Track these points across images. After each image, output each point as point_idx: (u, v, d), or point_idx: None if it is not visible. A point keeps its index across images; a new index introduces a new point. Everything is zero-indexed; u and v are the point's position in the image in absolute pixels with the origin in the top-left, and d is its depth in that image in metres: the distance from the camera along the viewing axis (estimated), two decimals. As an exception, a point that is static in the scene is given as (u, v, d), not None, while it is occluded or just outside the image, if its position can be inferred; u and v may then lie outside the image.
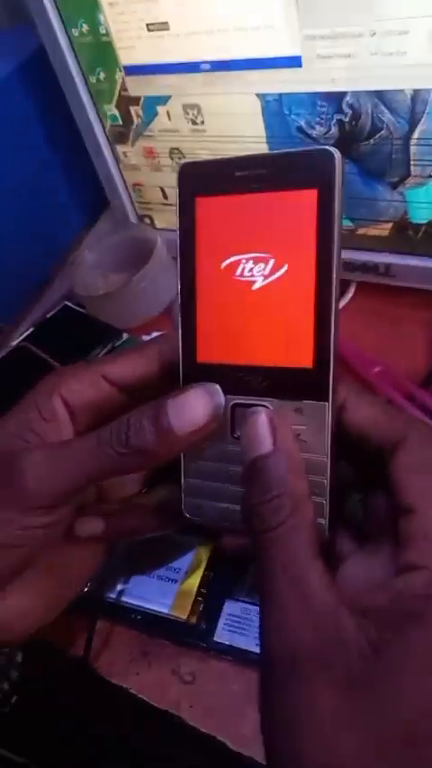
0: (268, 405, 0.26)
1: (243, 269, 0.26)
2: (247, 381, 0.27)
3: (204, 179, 0.27)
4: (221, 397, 0.27)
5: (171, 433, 0.25)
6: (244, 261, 0.26)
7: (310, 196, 0.25)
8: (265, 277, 0.26)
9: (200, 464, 0.28)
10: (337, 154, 0.24)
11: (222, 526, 0.28)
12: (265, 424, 0.25)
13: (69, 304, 0.64)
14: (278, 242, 0.26)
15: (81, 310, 0.63)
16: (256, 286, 0.26)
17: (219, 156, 0.27)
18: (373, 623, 0.21)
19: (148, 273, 0.59)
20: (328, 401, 0.25)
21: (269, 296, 0.26)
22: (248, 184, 0.26)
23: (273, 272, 0.26)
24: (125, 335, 0.59)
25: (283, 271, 0.26)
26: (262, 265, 0.26)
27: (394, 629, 0.21)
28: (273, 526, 0.23)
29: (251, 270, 0.26)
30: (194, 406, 0.26)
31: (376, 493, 0.26)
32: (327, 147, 0.24)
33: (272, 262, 0.26)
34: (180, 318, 0.28)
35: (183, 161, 0.28)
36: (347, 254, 0.53)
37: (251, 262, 0.26)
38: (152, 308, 0.61)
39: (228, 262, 0.27)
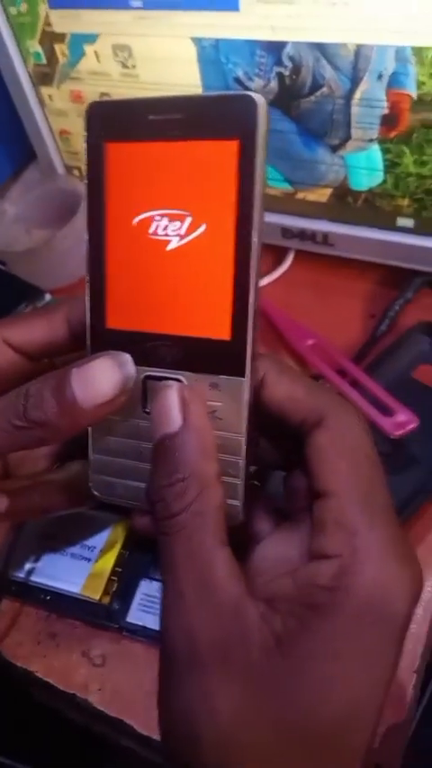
0: (182, 378, 0.24)
1: (157, 227, 0.24)
2: (160, 352, 0.24)
3: (115, 122, 0.24)
4: (132, 368, 0.24)
5: (75, 405, 0.23)
6: (158, 217, 0.24)
7: (230, 148, 0.22)
8: (181, 237, 0.24)
9: (109, 440, 0.26)
10: (260, 100, 0.22)
11: (134, 505, 0.27)
12: (175, 400, 0.23)
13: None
14: (195, 198, 0.23)
15: (1, 267, 0.58)
16: (170, 246, 0.24)
17: (130, 97, 0.24)
18: (279, 613, 0.21)
19: (73, 230, 0.55)
20: (245, 377, 0.23)
21: (184, 258, 0.24)
22: (163, 131, 0.23)
23: (189, 231, 0.23)
24: (48, 296, 0.55)
25: (200, 231, 0.23)
26: (177, 224, 0.23)
27: (298, 620, 0.20)
28: (176, 512, 0.22)
29: (165, 228, 0.24)
30: (101, 377, 0.23)
31: (296, 472, 0.25)
32: (249, 93, 0.22)
33: (188, 220, 0.23)
34: (88, 279, 0.25)
35: (91, 101, 0.24)
36: (285, 220, 0.51)
37: (166, 219, 0.24)
38: (78, 268, 0.57)
39: (140, 218, 0.24)
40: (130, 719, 0.35)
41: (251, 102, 0.22)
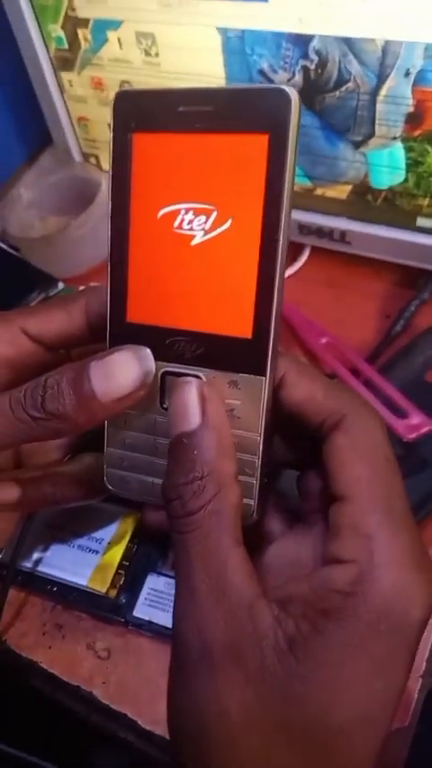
0: (201, 375, 0.24)
1: (182, 220, 0.23)
2: (180, 348, 0.24)
3: (143, 112, 0.23)
4: (152, 363, 0.24)
5: (93, 399, 0.23)
6: (183, 211, 0.23)
7: (260, 142, 0.22)
8: (206, 232, 0.23)
9: (125, 434, 0.26)
10: (294, 95, 0.21)
11: (147, 501, 0.26)
12: (194, 397, 0.23)
13: (2, 245, 0.58)
14: (222, 192, 0.23)
15: (14, 253, 0.58)
16: (195, 241, 0.23)
17: (160, 87, 0.24)
18: (292, 616, 0.20)
19: (89, 218, 0.54)
20: (265, 376, 0.23)
21: (209, 253, 0.23)
22: (193, 123, 0.23)
23: (214, 226, 0.23)
24: (61, 285, 0.55)
25: (225, 226, 0.23)
26: (203, 218, 0.23)
27: (312, 624, 0.20)
28: (192, 510, 0.21)
29: (191, 222, 0.23)
30: (121, 371, 0.23)
31: (311, 473, 0.25)
32: (283, 87, 0.21)
33: (214, 215, 0.23)
34: (110, 271, 0.25)
35: (119, 90, 0.24)
36: (303, 216, 0.50)
37: (191, 213, 0.23)
38: (92, 257, 0.57)
39: (165, 211, 0.24)
40: (133, 714, 0.35)
41: (285, 97, 0.21)
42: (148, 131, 0.23)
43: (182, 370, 0.24)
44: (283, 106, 0.21)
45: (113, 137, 0.24)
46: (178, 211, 0.23)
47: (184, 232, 0.23)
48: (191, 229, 0.23)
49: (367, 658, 0.20)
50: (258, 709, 0.20)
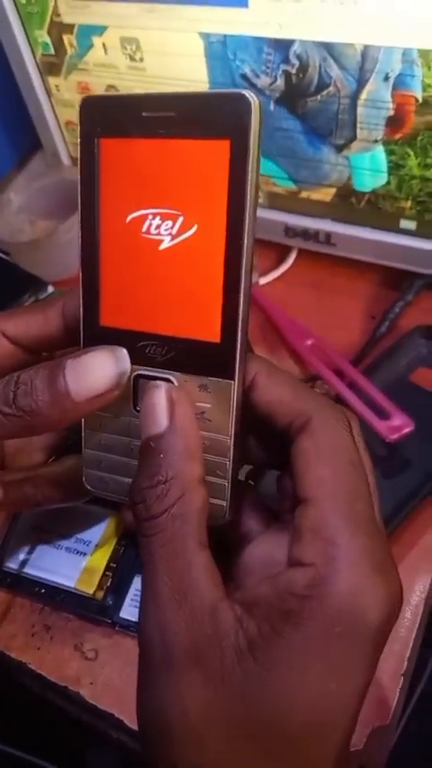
0: (172, 379, 0.24)
1: (150, 225, 0.24)
2: (151, 351, 0.24)
3: (109, 118, 0.24)
4: (127, 364, 0.24)
5: (67, 397, 0.23)
6: (151, 216, 0.24)
7: (221, 147, 0.22)
8: (173, 237, 0.23)
9: (101, 436, 0.26)
10: (254, 99, 0.21)
11: (125, 501, 0.27)
12: (162, 401, 0.23)
13: (-9, 251, 0.59)
14: (188, 198, 0.23)
15: (4, 257, 0.58)
16: (163, 246, 0.24)
17: (124, 92, 0.24)
18: (255, 618, 0.21)
19: (77, 222, 0.55)
20: (234, 380, 0.23)
21: (176, 258, 0.24)
22: (156, 128, 0.23)
23: (181, 231, 0.23)
24: (50, 288, 0.55)
25: (191, 231, 0.23)
26: (170, 223, 0.23)
27: (271, 626, 0.20)
28: (155, 514, 0.22)
29: (158, 227, 0.24)
30: (97, 371, 0.23)
31: (287, 473, 0.25)
32: (242, 92, 0.21)
33: (180, 220, 0.23)
34: (81, 275, 0.25)
35: (84, 95, 0.24)
36: (289, 219, 0.50)
37: (158, 218, 0.24)
38: (81, 261, 0.57)
39: (134, 215, 0.24)
40: (120, 714, 0.36)
41: (244, 102, 0.21)
42: (114, 137, 0.24)
43: (153, 374, 0.24)
44: (243, 111, 0.21)
45: (80, 142, 0.24)
46: (146, 216, 0.24)
47: (152, 237, 0.24)
48: (158, 234, 0.24)
49: (322, 661, 0.20)
50: (218, 710, 0.20)
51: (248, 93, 0.21)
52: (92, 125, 0.24)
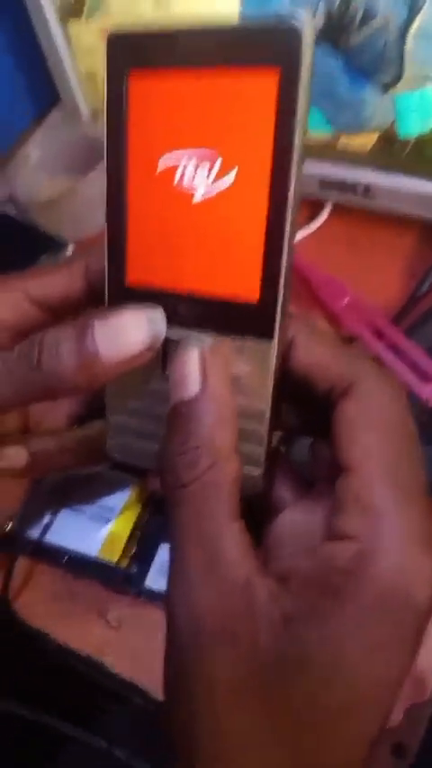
0: (205, 340, 0.22)
1: (183, 174, 0.21)
2: (182, 311, 0.22)
3: (140, 52, 0.21)
4: (163, 326, 0.22)
5: (96, 360, 0.21)
6: (185, 160, 0.21)
7: (268, 79, 0.19)
8: (209, 186, 0.21)
9: (126, 401, 0.25)
10: (306, 29, 0.18)
11: (150, 468, 0.25)
12: (194, 364, 0.21)
13: (8, 212, 0.56)
14: (227, 137, 0.20)
15: (21, 217, 0.56)
16: (197, 198, 0.21)
17: (156, 26, 0.21)
18: (291, 593, 0.19)
19: (99, 178, 0.52)
20: (273, 340, 0.21)
21: (212, 210, 0.21)
22: (194, 59, 0.20)
23: (218, 176, 0.21)
24: (70, 248, 0.53)
25: (230, 177, 0.21)
26: (205, 170, 0.21)
27: (310, 602, 0.19)
28: (185, 483, 0.20)
29: (192, 176, 0.21)
30: (130, 332, 0.22)
31: (324, 441, 0.23)
32: (292, 21, 0.18)
33: (218, 163, 0.20)
34: (107, 231, 0.23)
35: (113, 29, 0.21)
36: (324, 169, 0.47)
37: (193, 162, 0.21)
38: (103, 219, 0.54)
39: (165, 161, 0.21)
40: (143, 684, 0.34)
41: (295, 31, 0.18)
42: (146, 72, 0.21)
43: (184, 335, 0.22)
44: (294, 41, 0.19)
45: (107, 82, 0.21)
46: (180, 161, 0.21)
47: (185, 189, 0.21)
48: (192, 184, 0.21)
49: (365, 640, 0.19)
50: (249, 687, 0.19)
51: (299, 23, 0.18)
52: (120, 62, 0.21)
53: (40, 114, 0.64)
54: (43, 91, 0.60)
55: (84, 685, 0.37)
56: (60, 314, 0.27)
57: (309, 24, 0.19)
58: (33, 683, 0.51)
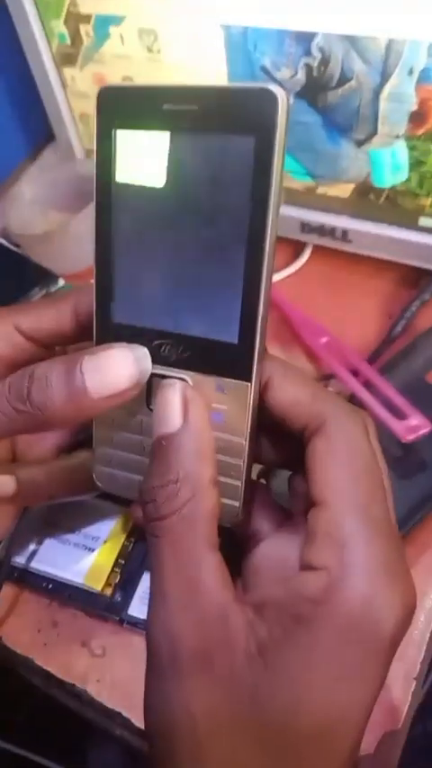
0: (187, 378, 0.24)
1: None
2: (166, 350, 0.24)
3: (127, 109, 0.23)
4: (148, 364, 0.24)
5: (84, 394, 0.22)
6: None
7: (245, 144, 0.21)
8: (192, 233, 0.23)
9: (113, 433, 0.26)
10: (281, 95, 0.20)
11: (135, 498, 0.26)
12: (176, 400, 0.23)
13: (3, 242, 0.58)
14: (208, 194, 0.22)
15: (14, 249, 0.58)
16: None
17: (145, 83, 0.23)
18: (266, 621, 0.20)
19: (90, 215, 0.54)
20: (251, 381, 0.23)
21: (195, 255, 0.23)
22: (177, 121, 0.22)
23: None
24: (61, 281, 0.55)
25: (211, 229, 0.22)
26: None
27: (283, 629, 0.20)
28: (165, 514, 0.21)
29: None
30: (117, 369, 0.23)
31: (301, 474, 0.25)
32: (269, 87, 0.20)
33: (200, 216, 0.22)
34: (95, 271, 0.25)
35: (103, 86, 0.23)
36: (304, 214, 0.50)
37: None
38: (93, 254, 0.56)
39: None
40: (127, 712, 0.35)
41: (271, 97, 0.20)
42: (132, 128, 0.23)
43: (168, 373, 0.24)
44: (270, 107, 0.20)
45: (97, 133, 0.23)
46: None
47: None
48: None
49: (334, 666, 0.19)
50: (226, 713, 0.20)
51: (275, 88, 0.20)
52: (109, 116, 0.23)
53: (34, 151, 0.66)
54: (38, 129, 0.62)
55: (68, 718, 0.38)
56: (49, 347, 0.28)
57: (283, 94, 0.20)
58: (13, 715, 0.51)
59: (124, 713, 0.35)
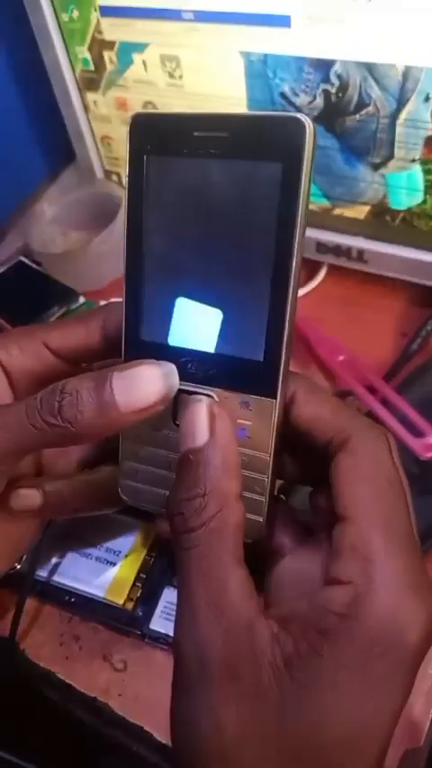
0: (213, 395, 0.24)
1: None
2: (193, 367, 0.24)
3: (158, 136, 0.24)
4: (176, 380, 0.24)
5: (113, 408, 0.23)
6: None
7: (273, 170, 0.22)
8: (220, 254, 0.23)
9: (139, 448, 0.27)
10: (309, 124, 0.21)
11: (160, 512, 0.27)
12: (203, 415, 0.23)
13: (25, 260, 0.60)
14: (236, 218, 0.23)
15: (37, 268, 0.59)
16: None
17: (177, 112, 0.24)
18: (292, 635, 0.20)
19: (110, 235, 0.55)
20: (276, 398, 0.23)
21: (222, 275, 0.24)
22: (207, 148, 0.23)
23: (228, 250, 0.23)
24: (82, 299, 0.56)
25: (239, 250, 0.23)
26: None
27: (309, 643, 0.20)
28: (193, 527, 0.22)
29: None
30: (146, 384, 0.23)
31: (323, 490, 0.25)
32: (298, 116, 0.21)
33: (228, 239, 0.23)
34: (126, 290, 0.25)
35: (135, 113, 0.24)
36: (321, 235, 0.51)
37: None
38: (112, 272, 0.58)
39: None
40: (149, 726, 0.35)
41: (300, 125, 0.21)
42: (163, 154, 0.24)
43: (196, 389, 0.24)
44: (298, 135, 0.21)
45: (129, 159, 0.24)
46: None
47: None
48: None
49: (360, 680, 0.20)
50: (253, 726, 0.20)
51: (303, 117, 0.21)
52: (141, 142, 0.24)
53: (54, 172, 0.68)
54: (59, 150, 0.64)
55: (86, 736, 0.38)
56: (76, 363, 0.29)
57: (310, 123, 0.21)
58: (26, 729, 0.51)
59: (146, 727, 0.35)
